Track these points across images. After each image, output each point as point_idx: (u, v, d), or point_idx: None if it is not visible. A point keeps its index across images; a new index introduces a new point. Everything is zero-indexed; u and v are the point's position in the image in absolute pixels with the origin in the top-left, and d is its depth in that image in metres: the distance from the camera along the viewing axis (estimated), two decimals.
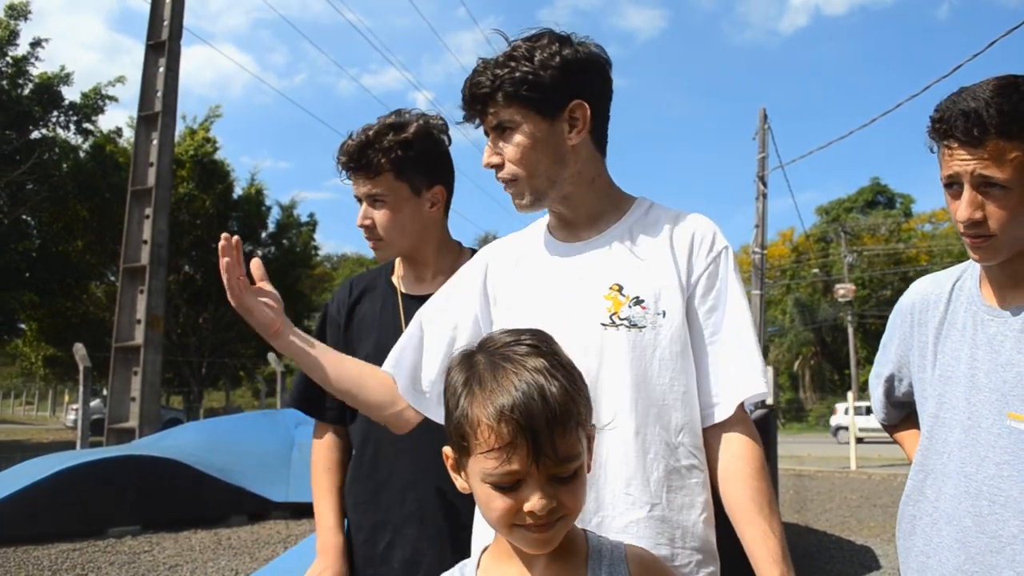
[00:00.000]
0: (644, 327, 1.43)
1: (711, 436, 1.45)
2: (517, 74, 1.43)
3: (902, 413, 1.82)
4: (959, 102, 1.40)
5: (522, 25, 1.51)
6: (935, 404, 1.57)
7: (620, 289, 1.46)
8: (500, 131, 1.48)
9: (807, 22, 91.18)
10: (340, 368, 1.59)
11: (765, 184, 19.31)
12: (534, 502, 0.97)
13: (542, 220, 1.65)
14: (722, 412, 1.44)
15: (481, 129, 1.52)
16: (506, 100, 1.44)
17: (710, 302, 1.48)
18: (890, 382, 1.77)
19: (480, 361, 1.06)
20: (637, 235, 1.52)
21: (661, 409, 1.41)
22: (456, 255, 2.00)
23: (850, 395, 17.75)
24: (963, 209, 1.42)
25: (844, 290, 30.76)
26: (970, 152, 1.38)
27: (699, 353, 1.46)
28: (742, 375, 1.45)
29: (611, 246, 1.51)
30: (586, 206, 1.54)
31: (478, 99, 1.47)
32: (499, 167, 1.50)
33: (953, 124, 1.40)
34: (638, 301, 1.45)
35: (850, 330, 33.33)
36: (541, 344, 1.07)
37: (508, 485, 0.99)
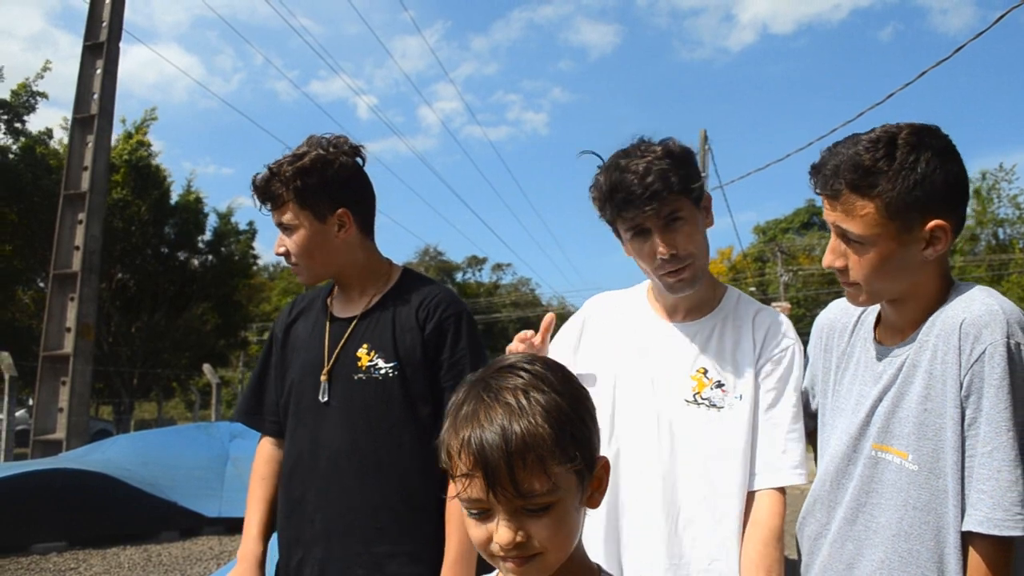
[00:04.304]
0: (722, 408, 1.66)
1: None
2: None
3: (815, 423, 1.84)
4: (835, 152, 1.43)
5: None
6: (826, 431, 1.64)
7: (705, 372, 1.70)
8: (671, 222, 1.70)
9: (754, 39, 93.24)
10: None
11: None
12: (497, 533, 0.99)
13: (643, 286, 1.89)
14: (759, 483, 1.66)
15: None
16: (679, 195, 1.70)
17: (772, 383, 1.71)
18: (805, 394, 1.82)
19: (471, 388, 1.06)
20: (727, 325, 1.77)
21: (739, 476, 1.66)
22: (386, 275, 1.99)
23: None
24: (826, 256, 1.50)
25: (780, 308, 31.35)
26: (831, 204, 1.44)
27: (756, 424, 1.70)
28: (782, 461, 1.66)
29: (705, 332, 1.76)
30: (696, 292, 1.77)
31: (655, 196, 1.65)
32: (681, 256, 1.69)
33: (817, 176, 1.45)
34: (719, 385, 1.69)
35: None
36: (537, 375, 1.04)
37: (477, 513, 1.01)
